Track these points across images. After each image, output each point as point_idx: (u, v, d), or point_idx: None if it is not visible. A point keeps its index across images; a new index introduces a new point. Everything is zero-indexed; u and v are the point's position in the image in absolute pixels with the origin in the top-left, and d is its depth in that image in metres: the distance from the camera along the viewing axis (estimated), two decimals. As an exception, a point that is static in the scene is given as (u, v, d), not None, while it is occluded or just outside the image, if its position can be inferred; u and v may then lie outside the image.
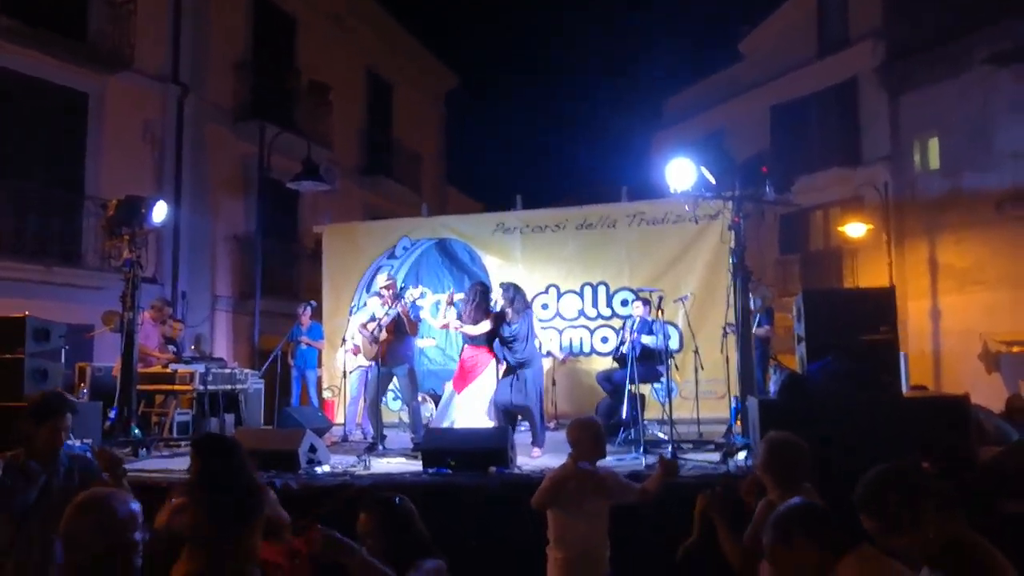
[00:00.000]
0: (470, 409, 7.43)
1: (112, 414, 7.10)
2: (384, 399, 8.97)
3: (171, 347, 9.21)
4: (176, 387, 8.16)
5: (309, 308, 10.29)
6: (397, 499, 3.07)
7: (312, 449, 6.19)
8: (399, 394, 9.04)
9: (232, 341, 13.98)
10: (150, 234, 7.86)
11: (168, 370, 8.24)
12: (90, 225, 11.40)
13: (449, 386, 7.82)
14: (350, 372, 8.64)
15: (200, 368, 8.18)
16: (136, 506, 2.56)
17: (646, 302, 8.51)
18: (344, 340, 9.00)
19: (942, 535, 2.19)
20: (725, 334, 8.02)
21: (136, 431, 7.18)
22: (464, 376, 7.52)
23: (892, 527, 2.23)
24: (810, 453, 3.48)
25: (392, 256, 10.85)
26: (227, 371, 8.69)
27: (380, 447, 7.31)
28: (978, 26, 14.95)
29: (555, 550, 3.98)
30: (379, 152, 18.59)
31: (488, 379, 7.44)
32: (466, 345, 7.65)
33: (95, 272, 11.23)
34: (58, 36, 11.28)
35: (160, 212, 7.39)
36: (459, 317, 7.65)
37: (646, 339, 8.00)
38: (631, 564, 4.33)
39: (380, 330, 7.65)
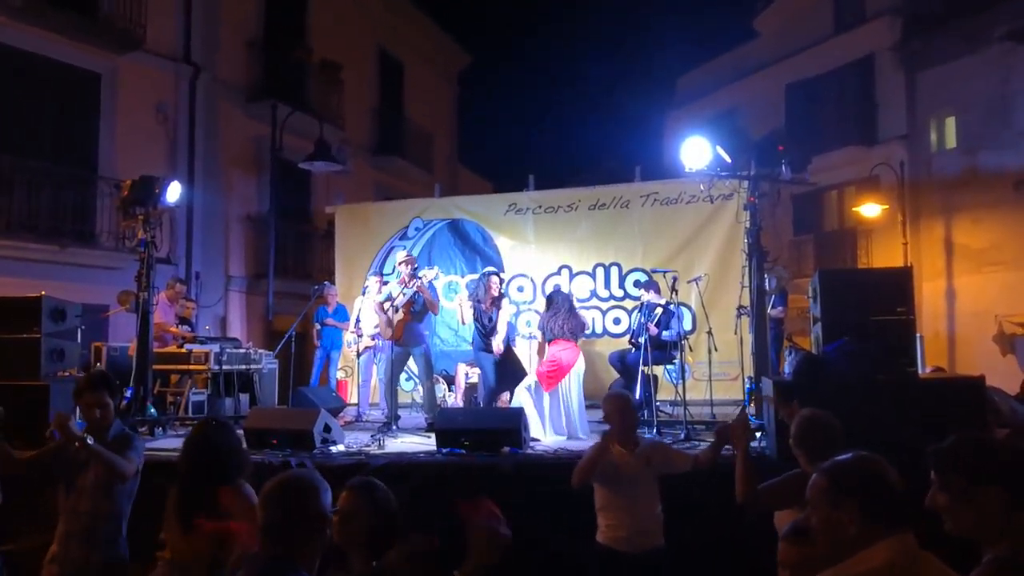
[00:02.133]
0: (567, 404, 7.28)
1: (128, 393, 7.15)
2: (398, 379, 9.01)
3: (185, 327, 9.26)
4: (191, 367, 8.23)
5: (334, 288, 10.32)
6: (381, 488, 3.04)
7: (327, 429, 6.23)
8: (412, 374, 9.07)
9: (246, 321, 14.04)
10: (164, 214, 7.88)
11: (183, 350, 8.30)
12: (104, 205, 11.45)
13: (532, 383, 7.40)
14: (359, 355, 8.70)
15: (215, 348, 8.23)
16: None
17: (651, 285, 8.50)
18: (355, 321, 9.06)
19: (1006, 523, 2.05)
20: (739, 315, 7.98)
21: (152, 410, 7.24)
22: (550, 374, 7.25)
23: (947, 486, 2.12)
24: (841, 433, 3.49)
25: (404, 237, 10.84)
26: (242, 351, 8.76)
27: (394, 427, 7.35)
28: (996, 2, 14.71)
29: (601, 517, 4.19)
30: (391, 131, 18.55)
31: (581, 361, 7.39)
32: (558, 339, 7.36)
33: (110, 252, 11.29)
34: (70, 16, 11.27)
35: (174, 192, 7.41)
36: (471, 297, 7.76)
37: (665, 333, 7.98)
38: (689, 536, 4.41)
39: (395, 311, 7.67)
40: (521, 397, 7.24)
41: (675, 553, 4.23)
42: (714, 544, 4.81)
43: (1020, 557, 2.02)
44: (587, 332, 9.90)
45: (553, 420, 7.14)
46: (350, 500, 2.87)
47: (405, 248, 10.71)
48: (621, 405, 4.27)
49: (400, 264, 8.14)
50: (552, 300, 7.56)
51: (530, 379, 7.42)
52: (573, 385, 7.30)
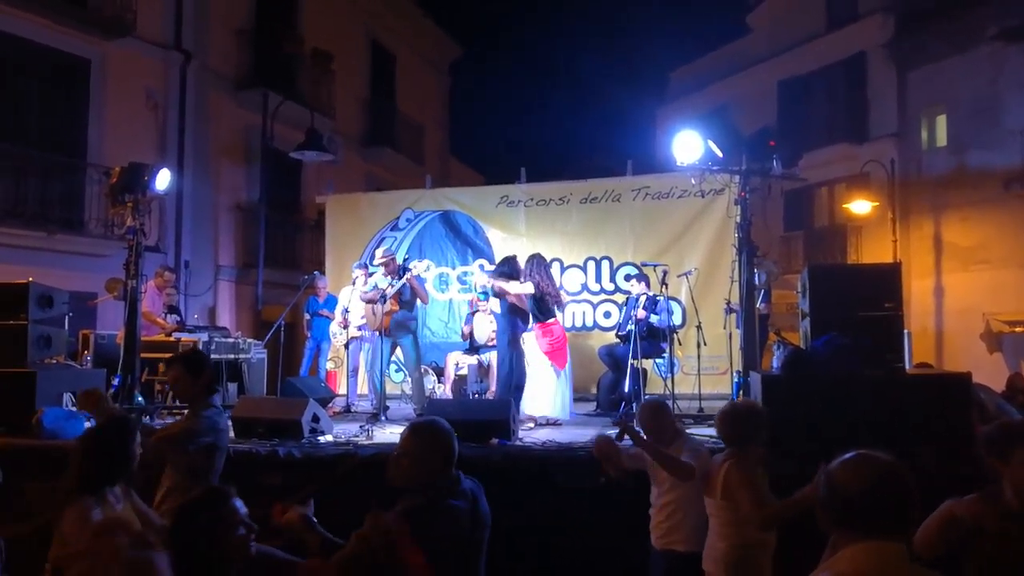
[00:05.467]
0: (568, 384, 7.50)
1: (116, 381, 7.12)
2: (387, 370, 9.00)
3: (174, 316, 9.21)
4: (180, 355, 8.17)
5: (324, 278, 10.28)
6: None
7: (315, 419, 6.22)
8: (401, 365, 9.07)
9: (235, 311, 13.98)
10: (153, 202, 7.83)
11: (171, 338, 8.26)
12: (93, 193, 11.36)
13: (546, 364, 7.50)
14: (346, 346, 8.69)
15: (203, 337, 8.19)
16: None
17: (641, 278, 8.52)
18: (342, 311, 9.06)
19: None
20: (728, 311, 8.02)
21: (139, 398, 7.21)
22: (560, 351, 7.51)
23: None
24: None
25: (396, 228, 10.82)
26: (230, 340, 8.72)
27: (383, 417, 7.34)
28: (987, 1, 14.77)
29: None
30: (382, 122, 18.47)
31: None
32: (538, 323, 7.53)
33: (98, 240, 11.21)
34: (60, 1, 11.17)
35: (163, 179, 7.36)
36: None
37: (654, 318, 7.99)
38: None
39: (384, 301, 7.66)
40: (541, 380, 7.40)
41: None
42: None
43: None
44: (576, 325, 9.98)
45: (564, 399, 7.36)
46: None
47: (395, 240, 10.71)
48: (642, 413, 4.13)
49: (379, 262, 8.13)
50: (538, 262, 7.58)
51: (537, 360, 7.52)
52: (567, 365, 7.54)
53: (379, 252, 8.45)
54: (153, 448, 3.80)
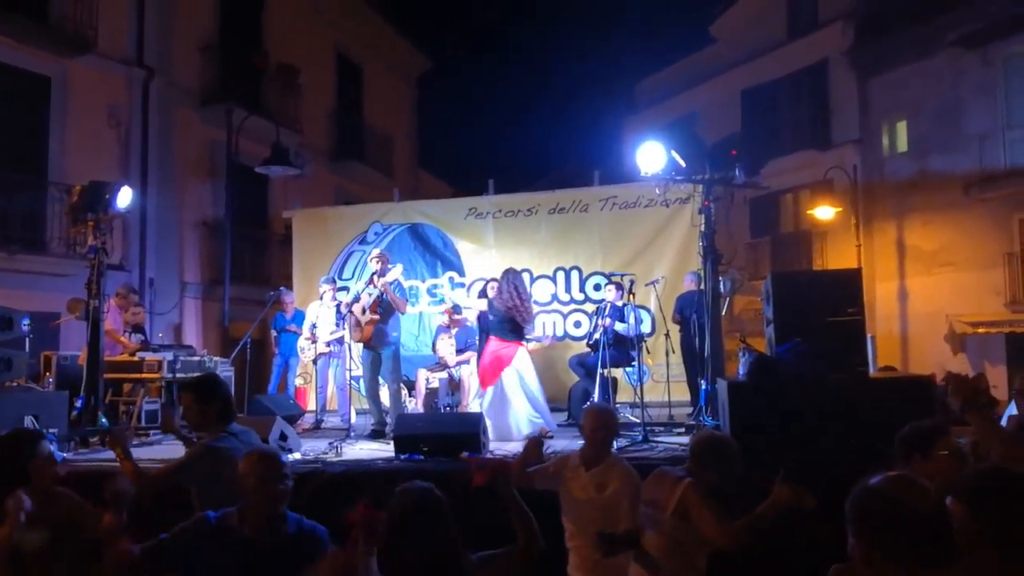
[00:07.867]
0: (520, 390, 7.32)
1: (79, 403, 7.00)
2: (356, 384, 8.92)
3: (137, 335, 9.07)
4: (144, 375, 8.05)
5: (291, 294, 10.17)
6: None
7: (283, 436, 6.16)
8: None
9: (201, 328, 13.81)
10: (116, 220, 7.75)
11: (135, 358, 8.14)
12: (54, 211, 11.20)
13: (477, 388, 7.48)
14: (315, 361, 8.61)
15: (168, 356, 8.08)
16: None
17: (619, 286, 8.52)
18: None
19: None
20: (684, 320, 8.11)
21: (103, 420, 7.08)
22: (495, 369, 7.34)
23: None
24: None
25: (364, 242, 10.77)
26: (196, 358, 8.60)
27: (388, 430, 7.14)
28: (947, 8, 15.07)
29: None
30: (350, 136, 18.40)
31: (522, 359, 7.42)
32: (492, 337, 7.50)
33: (60, 259, 11.03)
34: (20, 18, 11.01)
35: (125, 197, 7.27)
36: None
37: (619, 326, 8.02)
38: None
39: (363, 311, 7.61)
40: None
41: None
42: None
43: None
44: (538, 334, 9.94)
45: (492, 419, 7.07)
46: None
47: (364, 253, 10.65)
48: (586, 419, 3.91)
49: (372, 259, 8.01)
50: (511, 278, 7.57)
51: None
52: (513, 383, 7.29)
53: (375, 251, 8.33)
54: (147, 485, 3.76)
